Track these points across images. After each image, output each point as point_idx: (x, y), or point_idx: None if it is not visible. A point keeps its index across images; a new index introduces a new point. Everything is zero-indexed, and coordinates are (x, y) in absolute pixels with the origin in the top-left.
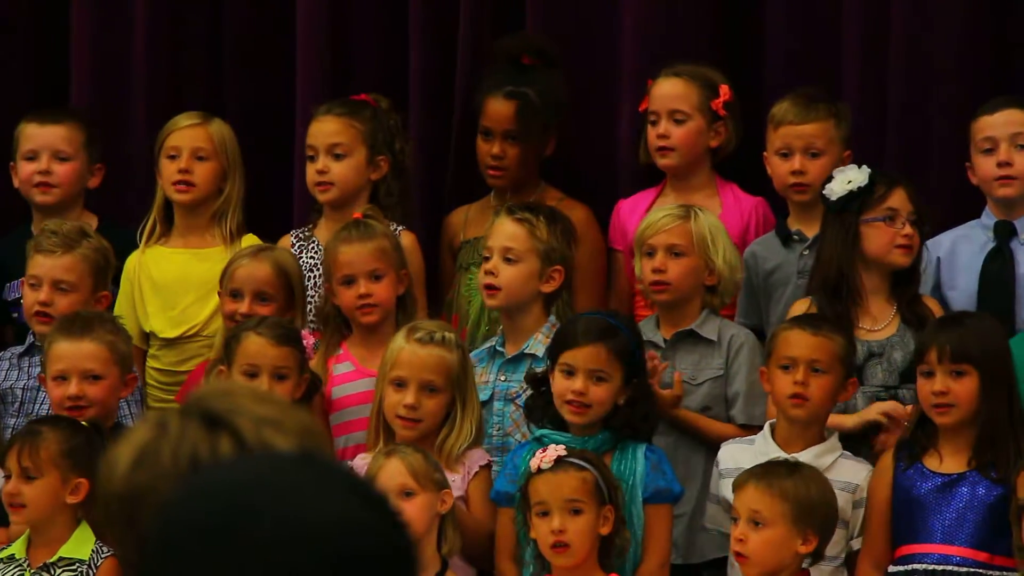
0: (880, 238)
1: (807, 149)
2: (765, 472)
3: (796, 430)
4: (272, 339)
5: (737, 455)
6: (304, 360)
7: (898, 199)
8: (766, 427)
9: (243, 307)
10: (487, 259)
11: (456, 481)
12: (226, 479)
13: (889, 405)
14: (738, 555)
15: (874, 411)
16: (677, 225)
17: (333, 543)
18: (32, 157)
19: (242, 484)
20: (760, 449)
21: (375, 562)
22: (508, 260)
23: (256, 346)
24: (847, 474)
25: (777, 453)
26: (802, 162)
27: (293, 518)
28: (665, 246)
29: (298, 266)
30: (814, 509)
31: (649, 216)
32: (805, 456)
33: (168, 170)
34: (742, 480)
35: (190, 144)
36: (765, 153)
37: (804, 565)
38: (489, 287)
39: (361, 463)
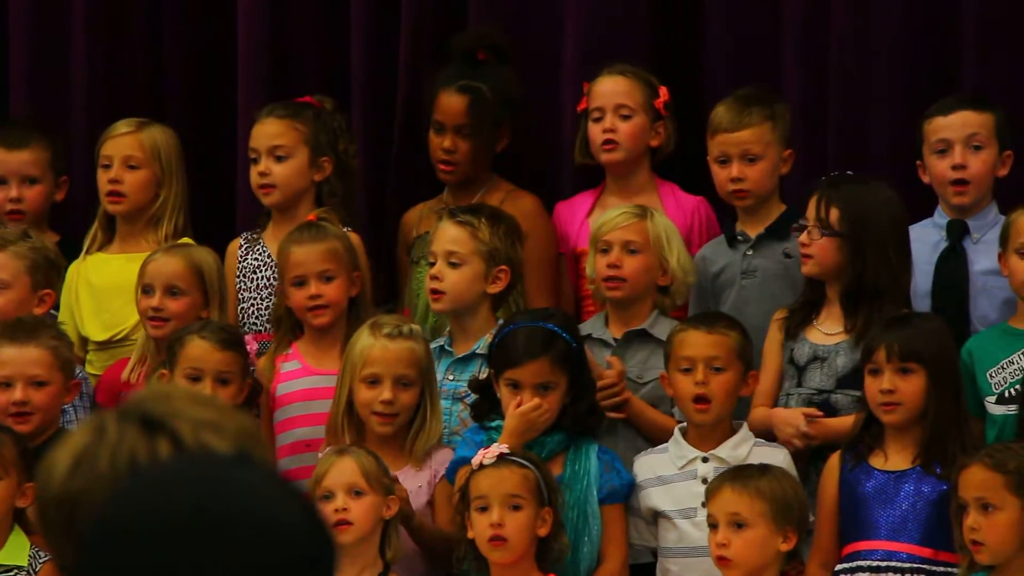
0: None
1: (744, 155)
2: (738, 475)
3: (705, 430)
4: (216, 343)
5: (654, 465)
6: (247, 364)
7: (809, 209)
8: (676, 431)
9: (154, 301)
10: (431, 264)
11: (423, 487)
12: (165, 478)
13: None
14: (721, 559)
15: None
16: (634, 223)
17: (266, 539)
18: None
19: (181, 483)
20: (676, 453)
21: (304, 560)
22: (452, 264)
23: (199, 350)
24: (765, 461)
25: (694, 454)
26: (740, 168)
27: (231, 516)
28: (621, 242)
29: (217, 264)
30: (790, 507)
31: (605, 214)
32: (722, 452)
33: (101, 180)
34: (716, 485)
35: (121, 153)
36: (708, 158)
37: (783, 566)
38: (434, 291)
39: None
